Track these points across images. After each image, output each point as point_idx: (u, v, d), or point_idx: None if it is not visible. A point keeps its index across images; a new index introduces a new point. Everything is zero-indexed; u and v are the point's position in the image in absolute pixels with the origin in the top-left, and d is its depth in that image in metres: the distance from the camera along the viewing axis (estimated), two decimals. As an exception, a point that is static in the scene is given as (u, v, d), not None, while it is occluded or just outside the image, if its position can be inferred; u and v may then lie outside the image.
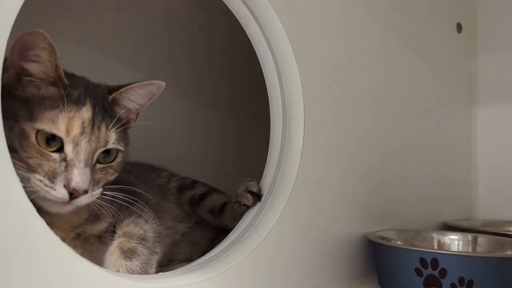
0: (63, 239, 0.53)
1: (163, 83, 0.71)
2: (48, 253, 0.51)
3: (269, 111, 0.84)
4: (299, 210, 0.80)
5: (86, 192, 0.60)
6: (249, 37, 0.83)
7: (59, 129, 0.60)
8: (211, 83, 1.38)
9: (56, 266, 0.51)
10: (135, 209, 0.72)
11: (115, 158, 0.68)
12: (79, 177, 0.59)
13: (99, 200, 0.65)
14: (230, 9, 0.80)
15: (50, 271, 0.51)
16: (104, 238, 0.71)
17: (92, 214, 0.69)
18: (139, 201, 0.72)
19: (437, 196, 1.17)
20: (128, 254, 0.64)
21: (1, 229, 0.47)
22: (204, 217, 0.98)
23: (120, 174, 0.74)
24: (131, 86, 0.69)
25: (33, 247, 0.49)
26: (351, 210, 0.91)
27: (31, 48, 0.59)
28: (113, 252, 0.65)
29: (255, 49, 0.83)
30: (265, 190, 0.83)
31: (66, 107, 0.60)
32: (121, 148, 0.68)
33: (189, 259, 0.92)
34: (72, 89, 0.63)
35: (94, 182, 0.63)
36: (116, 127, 0.66)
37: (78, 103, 0.62)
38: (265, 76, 0.84)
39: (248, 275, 0.72)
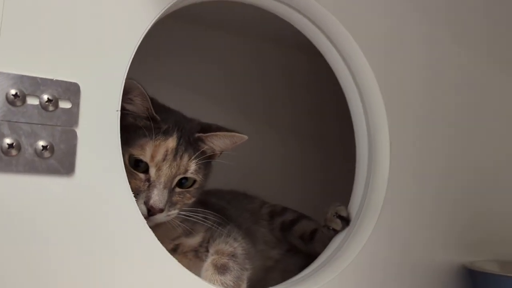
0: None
1: (245, 137, 0.78)
2: (156, 262, 0.58)
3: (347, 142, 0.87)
4: (387, 236, 0.80)
5: (161, 210, 0.68)
6: (333, 69, 0.88)
7: (146, 156, 0.69)
8: (297, 117, 1.45)
9: (162, 274, 0.59)
10: (225, 230, 0.78)
11: (192, 185, 0.75)
12: (157, 196, 0.68)
13: (181, 218, 0.73)
14: (317, 47, 0.87)
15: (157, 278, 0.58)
16: (200, 253, 0.77)
17: (186, 230, 0.77)
18: (228, 222, 0.79)
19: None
20: (221, 269, 0.70)
21: (113, 237, 0.55)
22: (295, 243, 1.01)
23: (206, 198, 0.84)
24: (216, 133, 0.77)
25: (142, 255, 0.58)
26: (441, 238, 0.88)
27: (128, 92, 0.69)
28: (207, 268, 0.70)
29: (338, 77, 0.88)
30: (352, 214, 0.85)
31: (154, 138, 0.70)
32: (198, 178, 0.75)
33: (281, 286, 0.96)
34: (163, 123, 0.73)
35: (171, 203, 0.71)
36: (197, 159, 0.74)
37: (166, 134, 0.72)
38: (349, 104, 0.89)
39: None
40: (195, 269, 0.74)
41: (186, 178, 0.74)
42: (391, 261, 0.81)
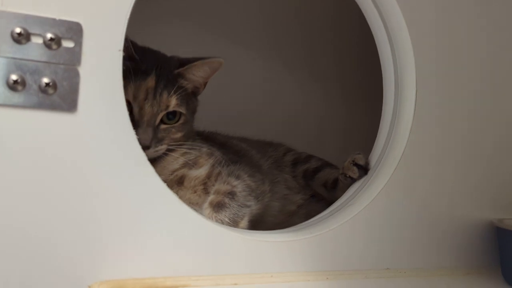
0: (164, 181, 0.62)
1: (222, 60, 0.79)
2: (155, 196, 0.61)
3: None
4: (404, 187, 0.78)
5: (148, 147, 0.72)
6: (365, 16, 0.84)
7: (129, 96, 0.72)
8: (341, 67, 1.42)
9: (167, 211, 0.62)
10: (234, 167, 0.80)
11: (178, 120, 0.78)
12: (141, 134, 0.71)
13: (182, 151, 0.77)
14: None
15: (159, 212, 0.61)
16: (209, 188, 0.78)
17: (188, 162, 0.79)
18: (241, 160, 0.82)
19: None
20: (216, 207, 0.72)
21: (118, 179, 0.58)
22: (318, 191, 1.01)
23: (227, 141, 0.90)
24: (194, 64, 0.79)
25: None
26: (465, 192, 0.83)
27: None
28: (206, 208, 0.73)
29: (369, 24, 0.84)
30: (372, 164, 0.83)
31: (133, 78, 0.73)
32: (182, 111, 0.78)
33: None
34: (142, 63, 0.75)
35: (157, 140, 0.74)
36: (177, 94, 0.76)
37: (145, 73, 0.74)
38: (379, 53, 0.85)
39: (339, 242, 0.73)
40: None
41: (173, 114, 0.77)
42: (407, 211, 0.78)
